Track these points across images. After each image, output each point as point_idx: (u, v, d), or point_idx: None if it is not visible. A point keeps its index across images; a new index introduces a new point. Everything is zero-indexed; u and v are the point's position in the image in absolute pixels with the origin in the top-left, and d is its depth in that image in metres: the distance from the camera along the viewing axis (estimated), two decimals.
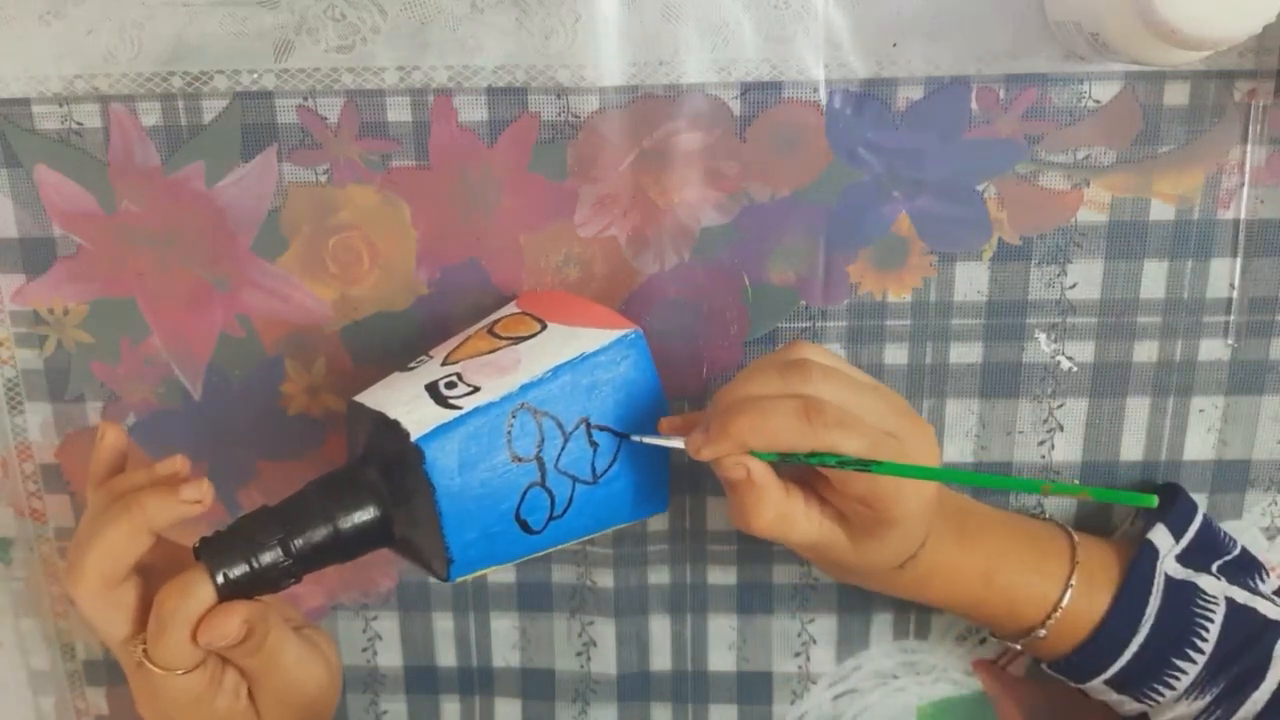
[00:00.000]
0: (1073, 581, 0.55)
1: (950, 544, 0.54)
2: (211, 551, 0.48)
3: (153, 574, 0.50)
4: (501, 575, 0.64)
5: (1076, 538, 0.57)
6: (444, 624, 0.65)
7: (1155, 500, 0.43)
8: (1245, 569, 0.58)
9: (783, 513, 0.49)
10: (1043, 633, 0.55)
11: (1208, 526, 0.59)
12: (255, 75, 0.56)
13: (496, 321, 0.55)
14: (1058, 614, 0.55)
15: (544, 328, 0.54)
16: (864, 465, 0.47)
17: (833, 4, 0.54)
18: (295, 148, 0.57)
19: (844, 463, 0.47)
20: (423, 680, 0.66)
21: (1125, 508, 0.61)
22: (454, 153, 0.57)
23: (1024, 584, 0.55)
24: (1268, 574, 0.58)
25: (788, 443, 0.47)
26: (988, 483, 0.48)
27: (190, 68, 0.56)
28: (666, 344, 0.59)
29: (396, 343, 0.60)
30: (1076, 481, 0.61)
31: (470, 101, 0.56)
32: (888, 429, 0.48)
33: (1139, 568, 0.56)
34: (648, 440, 0.52)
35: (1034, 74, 0.55)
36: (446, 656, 0.66)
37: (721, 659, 0.65)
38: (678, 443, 0.50)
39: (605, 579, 0.64)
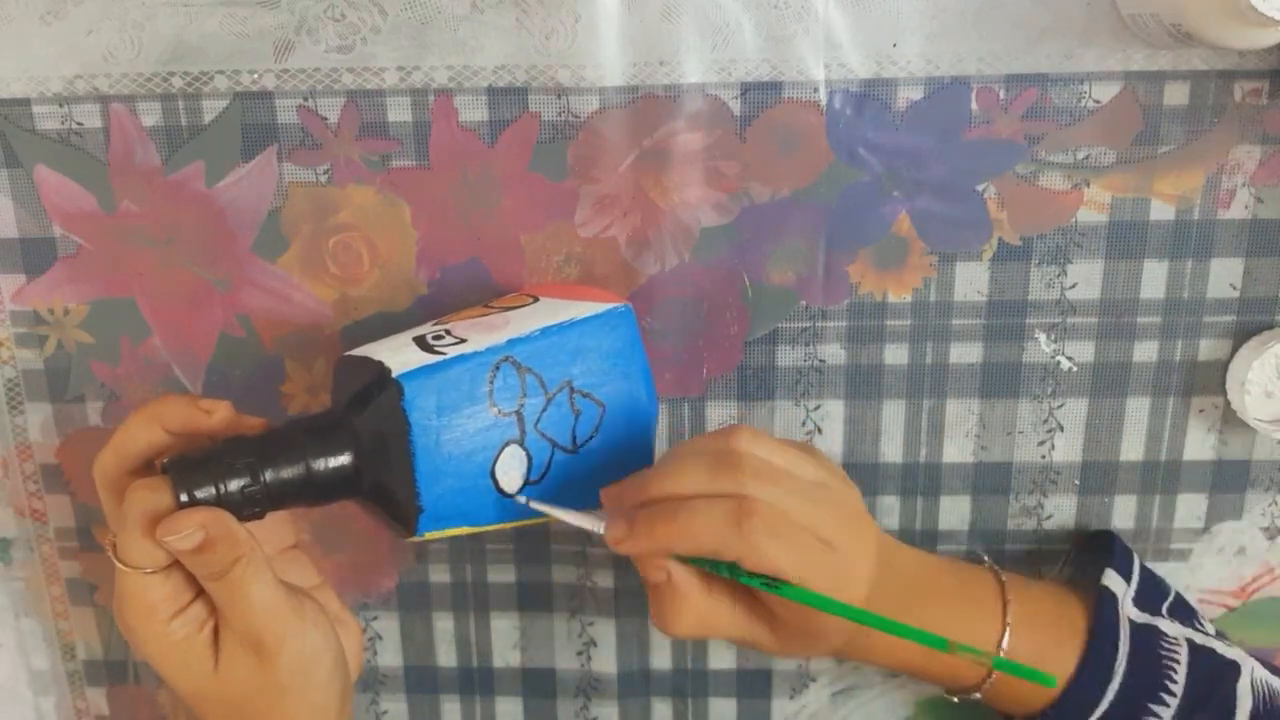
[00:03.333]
0: (1004, 647, 0.54)
1: (895, 616, 0.52)
2: (179, 469, 0.47)
3: None
4: (501, 575, 0.64)
5: (1008, 594, 0.55)
6: (444, 624, 0.65)
7: (1055, 680, 0.43)
8: (1188, 612, 0.58)
9: (703, 617, 0.48)
10: (978, 695, 0.55)
11: (1146, 569, 0.59)
12: (255, 75, 0.56)
13: (492, 299, 0.56)
14: (992, 679, 0.54)
15: (536, 300, 0.54)
16: (772, 585, 0.46)
17: (833, 4, 0.54)
18: (295, 148, 0.57)
19: (751, 578, 0.46)
20: (423, 680, 0.67)
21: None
22: (454, 153, 0.57)
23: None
24: (1203, 619, 0.58)
25: (713, 548, 0.46)
26: (894, 630, 0.47)
27: (190, 68, 0.56)
28: (666, 344, 0.59)
29: None
30: (1077, 482, 0.61)
31: (470, 101, 0.56)
32: (824, 536, 0.47)
33: (1104, 616, 0.55)
34: (553, 512, 0.50)
35: (1034, 74, 0.55)
36: (447, 656, 0.66)
37: (721, 658, 0.65)
38: (593, 525, 0.49)
39: (605, 579, 0.64)
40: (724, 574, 0.47)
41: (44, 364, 0.61)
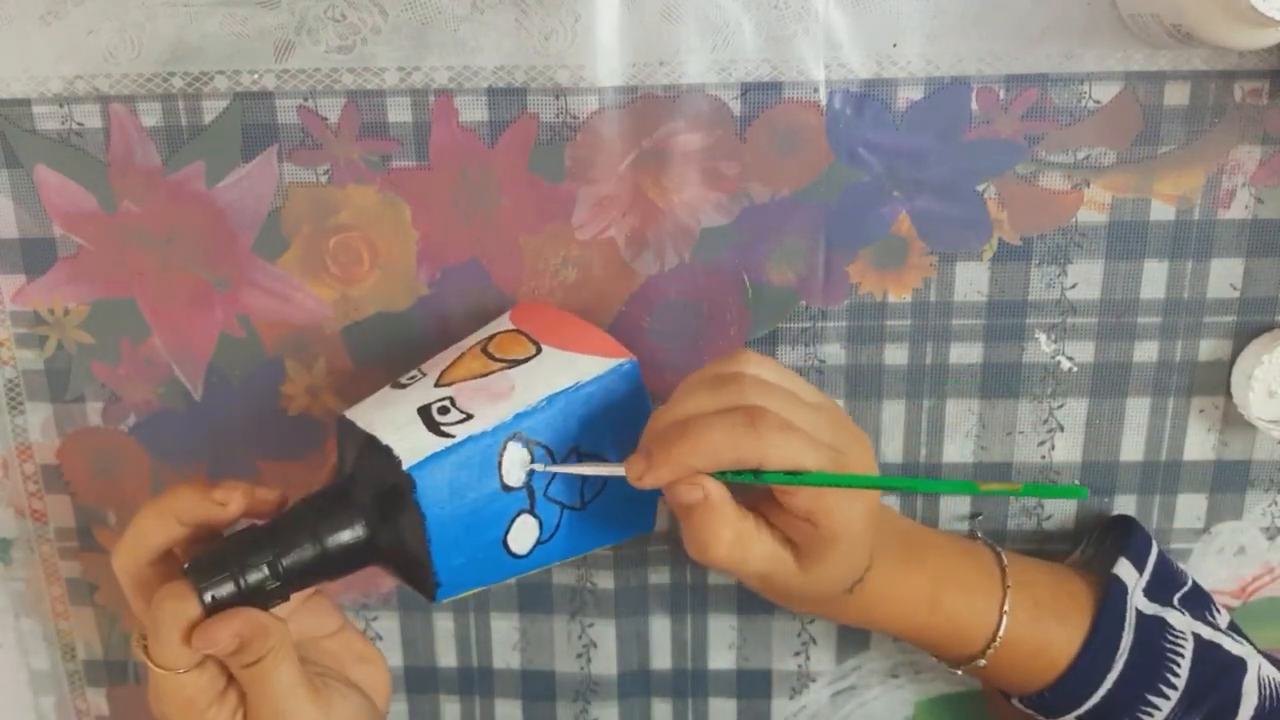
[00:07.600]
0: (1006, 608, 0.54)
1: (896, 567, 0.54)
2: (200, 572, 0.48)
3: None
4: None
5: (1006, 560, 0.56)
6: (444, 624, 0.65)
7: (1086, 492, 0.42)
8: (1201, 602, 0.58)
9: (739, 534, 0.48)
10: (983, 662, 0.55)
11: (1163, 558, 0.59)
12: (255, 75, 0.56)
13: (490, 339, 0.54)
14: (997, 643, 0.54)
15: (539, 351, 0.53)
16: (793, 478, 0.46)
17: (833, 4, 0.54)
18: (295, 148, 0.57)
19: (771, 476, 0.46)
20: (423, 680, 0.67)
21: (1094, 528, 0.61)
22: (454, 153, 0.57)
23: (968, 609, 0.55)
24: (1218, 608, 0.58)
25: (732, 456, 0.46)
26: (920, 487, 0.46)
27: (190, 68, 0.56)
28: (666, 344, 0.59)
29: (397, 343, 0.60)
30: (1077, 482, 0.61)
31: (470, 102, 0.56)
32: (826, 441, 0.48)
33: (1111, 604, 0.55)
34: (572, 470, 0.51)
35: (1034, 74, 0.55)
36: (447, 656, 0.66)
37: (721, 658, 0.65)
38: (612, 471, 0.49)
39: (605, 579, 0.64)
40: (747, 479, 0.47)
41: (44, 364, 0.61)
